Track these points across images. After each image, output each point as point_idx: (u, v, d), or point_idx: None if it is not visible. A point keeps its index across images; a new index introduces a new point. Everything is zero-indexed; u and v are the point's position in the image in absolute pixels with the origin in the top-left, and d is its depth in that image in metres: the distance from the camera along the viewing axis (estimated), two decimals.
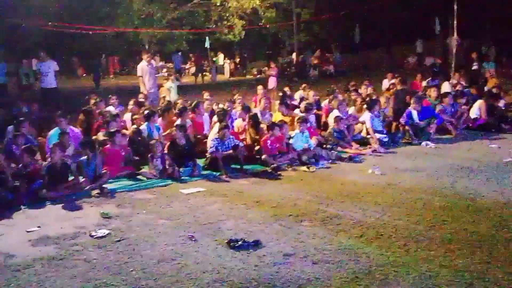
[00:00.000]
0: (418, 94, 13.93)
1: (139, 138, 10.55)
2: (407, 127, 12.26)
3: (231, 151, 9.80)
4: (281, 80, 20.59)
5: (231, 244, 5.89)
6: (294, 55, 32.93)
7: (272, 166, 9.64)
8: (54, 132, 10.12)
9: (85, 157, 8.84)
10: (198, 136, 11.37)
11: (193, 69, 34.65)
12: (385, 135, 11.93)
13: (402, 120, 12.40)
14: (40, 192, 7.93)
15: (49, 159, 8.70)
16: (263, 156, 9.90)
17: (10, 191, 7.71)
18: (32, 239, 6.31)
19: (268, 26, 30.32)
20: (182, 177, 9.15)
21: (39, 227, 6.70)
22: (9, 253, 5.83)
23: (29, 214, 7.33)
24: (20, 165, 8.35)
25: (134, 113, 12.27)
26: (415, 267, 5.18)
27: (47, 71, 14.33)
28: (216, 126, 10.66)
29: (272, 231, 6.42)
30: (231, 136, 10.24)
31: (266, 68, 28.51)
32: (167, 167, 9.28)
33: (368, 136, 11.81)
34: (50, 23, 20.06)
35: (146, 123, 11.08)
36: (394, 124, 12.66)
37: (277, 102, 14.02)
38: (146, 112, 11.52)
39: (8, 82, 16.59)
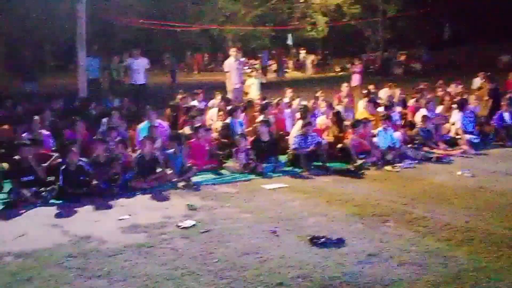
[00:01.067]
0: (509, 96, 13.22)
1: (226, 133, 10.78)
2: (499, 129, 11.68)
3: (313, 148, 9.77)
4: (364, 77, 20.23)
5: (314, 241, 5.88)
6: (378, 52, 32.27)
7: (355, 164, 9.51)
8: (143, 125, 10.53)
9: (173, 150, 9.14)
10: (281, 133, 11.42)
11: (275, 66, 34.83)
12: (476, 136, 11.44)
13: (493, 122, 11.83)
14: (131, 183, 8.30)
15: (139, 152, 9.08)
16: (347, 153, 9.79)
17: (104, 181, 8.10)
18: (123, 226, 6.61)
19: (352, 22, 29.90)
20: (265, 173, 9.23)
21: (129, 215, 7.02)
22: (102, 239, 6.14)
23: (121, 203, 7.68)
24: (114, 155, 8.74)
25: (221, 108, 12.53)
26: (508, 274, 4.93)
27: (138, 68, 14.61)
28: (299, 123, 10.67)
29: (355, 230, 6.34)
30: (314, 133, 10.21)
31: (349, 65, 28.16)
32: (251, 162, 9.41)
33: (458, 137, 11.37)
34: (141, 20, 20.90)
35: (230, 118, 11.28)
36: (486, 125, 12.10)
37: (361, 100, 13.80)
38: (230, 107, 11.73)
39: (100, 77, 17.38)
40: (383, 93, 15.54)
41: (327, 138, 10.68)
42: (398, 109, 13.07)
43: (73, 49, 15.90)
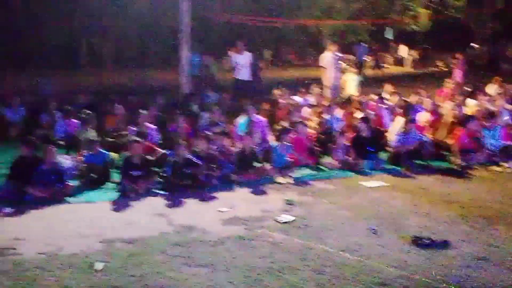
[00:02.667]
0: None
1: (323, 130, 10.72)
2: None
3: (416, 146, 9.45)
4: (468, 73, 19.27)
5: (417, 241, 5.71)
6: (485, 46, 30.54)
7: (460, 163, 9.10)
8: (242, 120, 10.73)
9: (273, 144, 9.26)
10: (380, 129, 11.17)
11: (372, 61, 34.06)
12: None
13: None
14: (231, 176, 8.50)
15: (238, 145, 9.28)
16: (453, 151, 9.41)
17: (205, 174, 8.35)
18: (223, 218, 6.79)
19: (456, 15, 28.52)
20: (364, 170, 9.08)
21: (229, 208, 7.20)
22: (205, 230, 6.36)
23: (221, 195, 7.89)
24: (215, 148, 8.99)
25: (318, 104, 12.47)
26: None
27: (243, 63, 14.54)
28: (399, 120, 10.38)
29: (461, 232, 6.09)
30: (416, 131, 9.88)
31: (452, 60, 26.93)
32: (349, 159, 9.30)
33: None
34: (240, 16, 21.26)
35: (327, 114, 11.21)
36: None
37: (462, 97, 13.17)
38: (327, 103, 11.65)
39: (200, 73, 17.84)
40: (493, 90, 14.70)
41: (430, 136, 10.30)
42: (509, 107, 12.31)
43: (175, 45, 16.44)
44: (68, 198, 7.62)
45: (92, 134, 9.78)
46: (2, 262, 5.37)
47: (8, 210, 7.05)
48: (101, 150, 8.80)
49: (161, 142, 10.09)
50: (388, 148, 10.09)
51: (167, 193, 7.91)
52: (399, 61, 35.29)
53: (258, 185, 8.33)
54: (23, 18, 27.92)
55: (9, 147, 10.29)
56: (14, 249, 5.70)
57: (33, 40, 27.63)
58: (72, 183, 8.04)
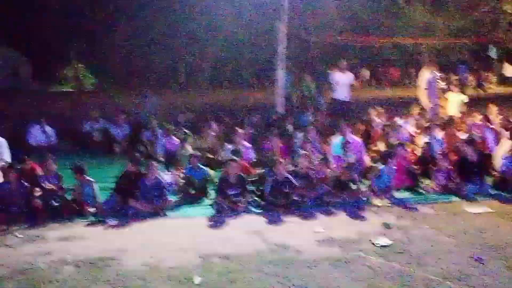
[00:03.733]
0: None
1: (424, 152, 10.32)
2: None
3: None
4: None
5: None
6: None
7: None
8: (337, 140, 10.62)
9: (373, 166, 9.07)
10: (485, 152, 10.57)
11: (474, 81, 32.51)
12: None
13: None
14: (326, 197, 8.39)
15: (333, 167, 9.18)
16: None
17: (301, 194, 8.32)
18: (318, 239, 6.71)
19: None
20: (468, 195, 8.61)
21: (324, 229, 7.10)
22: (299, 249, 6.31)
23: (316, 215, 7.80)
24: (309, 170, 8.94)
25: (418, 125, 12.08)
26: None
27: (343, 83, 14.00)
28: (506, 143, 9.79)
29: None
30: None
31: None
32: (451, 183, 8.87)
33: None
34: (337, 36, 21.23)
35: (427, 136, 10.81)
36: None
37: None
38: (427, 124, 11.24)
39: (293, 93, 17.89)
40: None
41: None
42: None
43: (270, 65, 16.70)
44: (167, 212, 7.90)
45: (191, 151, 10.11)
46: (106, 272, 5.64)
47: (112, 221, 7.44)
48: (201, 166, 9.06)
49: (256, 160, 10.22)
50: (493, 172, 9.53)
51: (262, 211, 7.97)
52: (503, 80, 33.41)
53: (354, 207, 8.16)
54: (129, 41, 29.75)
55: (114, 162, 10.92)
56: (119, 259, 5.98)
57: (138, 61, 29.25)
58: (172, 198, 8.33)
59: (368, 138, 11.82)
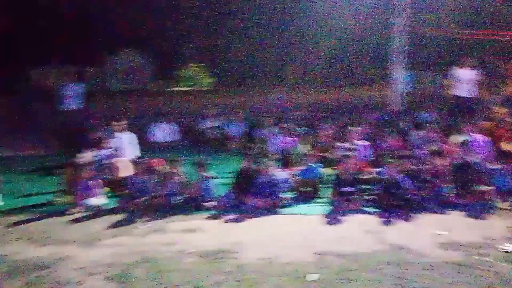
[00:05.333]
0: None
1: None
2: None
3: None
4: None
5: None
6: None
7: None
8: (460, 139, 10.07)
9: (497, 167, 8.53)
10: None
11: None
12: None
13: None
14: (447, 197, 8.02)
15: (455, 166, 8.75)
16: None
17: (419, 194, 8.03)
18: (439, 241, 6.43)
19: None
20: None
21: (447, 231, 6.78)
22: (419, 251, 6.09)
23: (435, 217, 7.48)
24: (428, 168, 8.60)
25: None
26: None
27: (465, 79, 13.53)
28: None
29: None
30: None
31: None
32: None
33: None
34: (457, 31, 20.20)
35: None
36: None
37: None
38: None
39: (414, 90, 17.35)
40: None
41: None
42: None
43: (385, 62, 16.29)
44: (281, 210, 8.00)
45: (305, 149, 10.14)
46: (225, 264, 5.83)
47: (230, 216, 7.68)
48: (314, 165, 9.07)
49: (372, 159, 10.03)
50: None
51: (378, 211, 7.80)
52: None
53: (477, 209, 7.72)
54: (244, 41, 30.52)
55: (229, 159, 11.28)
56: (236, 252, 6.16)
57: (253, 60, 29.90)
58: (286, 195, 8.43)
59: (492, 137, 11.09)
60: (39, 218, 7.74)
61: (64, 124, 13.74)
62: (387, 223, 7.29)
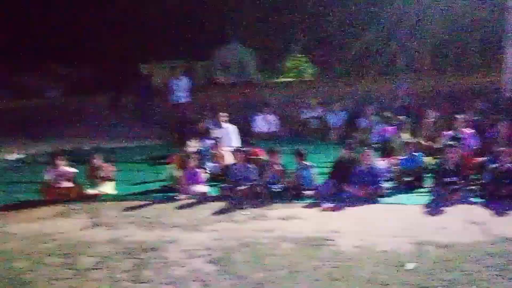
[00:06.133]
0: None
1: None
2: None
3: None
4: None
5: None
6: None
7: None
8: None
9: None
10: None
11: None
12: None
13: None
14: None
15: None
16: None
17: None
18: None
19: None
20: None
21: None
22: None
23: None
24: None
25: None
26: None
27: None
28: None
29: None
30: None
31: None
32: None
33: None
34: None
35: None
36: None
37: None
38: None
39: None
40: None
41: None
42: None
43: (496, 45, 15.34)
44: (380, 199, 7.94)
45: (406, 138, 9.92)
46: (321, 251, 5.94)
47: (327, 205, 7.76)
48: (416, 154, 8.87)
49: (479, 148, 9.59)
50: None
51: (484, 201, 7.48)
52: None
53: None
54: (345, 31, 30.17)
55: (329, 148, 11.32)
56: (332, 240, 6.24)
57: (356, 49, 29.43)
58: (386, 185, 8.33)
59: None
60: (149, 204, 8.33)
61: (173, 117, 14.56)
62: (494, 213, 6.99)
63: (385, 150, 10.05)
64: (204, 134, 10.95)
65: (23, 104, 27.71)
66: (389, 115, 11.69)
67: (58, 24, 35.72)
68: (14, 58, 36.10)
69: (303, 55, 37.95)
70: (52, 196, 8.72)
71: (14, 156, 13.54)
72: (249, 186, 8.51)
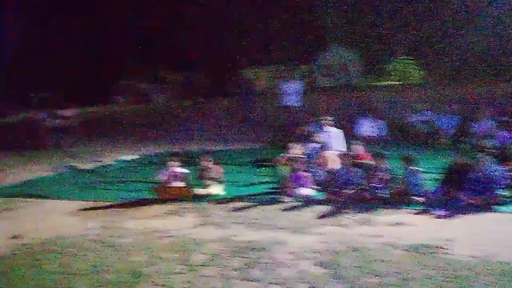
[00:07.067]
0: None
1: None
2: None
3: None
4: None
5: None
6: None
7: None
8: None
9: None
10: None
11: None
12: None
13: None
14: None
15: None
16: None
17: None
18: None
19: None
20: None
21: None
22: None
23: None
24: None
25: None
26: None
27: None
28: None
29: None
30: None
31: None
32: None
33: None
34: None
35: None
36: None
37: None
38: None
39: None
40: None
41: None
42: None
43: None
44: (498, 208, 7.48)
45: None
46: (434, 259, 5.70)
47: (440, 212, 7.44)
48: None
49: None
50: None
51: None
52: None
53: None
54: (452, 32, 28.90)
55: (437, 153, 10.88)
56: (446, 248, 5.97)
57: (467, 52, 28.15)
58: (504, 193, 7.84)
59: None
60: (256, 206, 8.48)
61: (279, 120, 14.75)
62: None
63: (503, 156, 9.46)
64: (308, 138, 10.95)
65: (135, 109, 29.40)
66: (506, 119, 11.00)
67: (165, 33, 37.60)
68: (125, 66, 38.55)
69: (408, 57, 36.68)
70: (165, 195, 9.15)
71: (129, 157, 14.40)
72: (355, 190, 8.39)
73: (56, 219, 8.33)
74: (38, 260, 6.30)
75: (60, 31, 36.62)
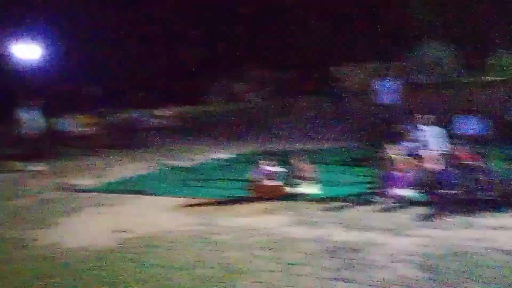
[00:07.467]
0: None
1: None
2: None
3: None
4: None
5: None
6: None
7: None
8: None
9: None
10: None
11: None
12: None
13: None
14: None
15: None
16: None
17: None
18: None
19: None
20: None
21: None
22: None
23: None
24: None
25: None
26: None
27: None
28: None
29: None
30: None
31: None
32: None
33: None
34: None
35: None
36: None
37: None
38: None
39: None
40: None
41: None
42: None
43: None
44: None
45: None
46: None
47: None
48: None
49: None
50: None
51: None
52: None
53: None
54: None
55: None
56: None
57: None
58: None
59: None
60: (350, 206, 8.35)
61: (375, 118, 14.43)
62: None
63: None
64: (405, 137, 10.61)
65: (229, 108, 30.01)
66: None
67: (259, 33, 38.11)
68: (221, 66, 39.53)
69: (510, 51, 34.36)
70: (258, 193, 9.25)
71: (223, 155, 14.73)
72: (455, 192, 8.01)
73: (156, 215, 8.67)
74: (139, 253, 6.59)
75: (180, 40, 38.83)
